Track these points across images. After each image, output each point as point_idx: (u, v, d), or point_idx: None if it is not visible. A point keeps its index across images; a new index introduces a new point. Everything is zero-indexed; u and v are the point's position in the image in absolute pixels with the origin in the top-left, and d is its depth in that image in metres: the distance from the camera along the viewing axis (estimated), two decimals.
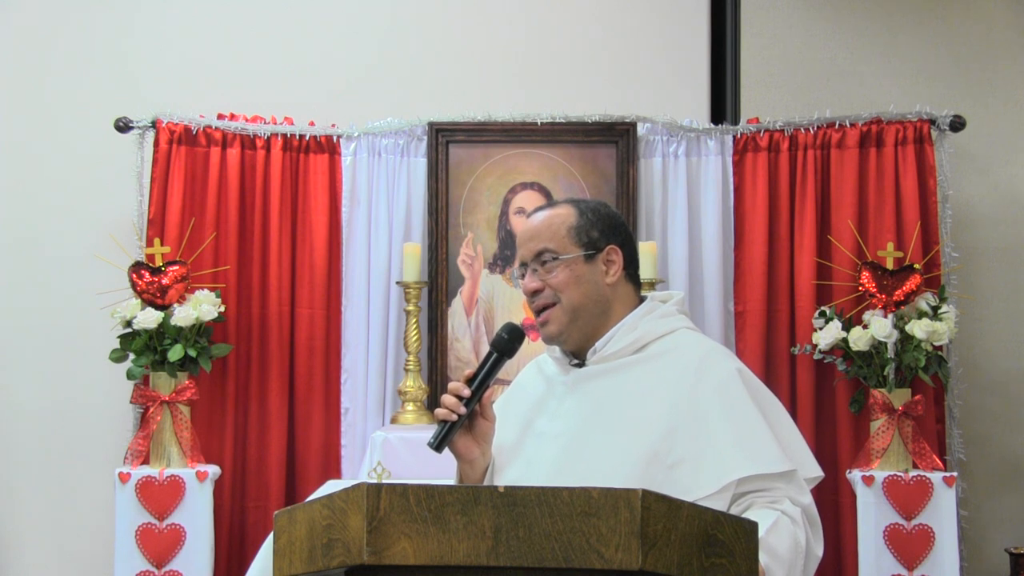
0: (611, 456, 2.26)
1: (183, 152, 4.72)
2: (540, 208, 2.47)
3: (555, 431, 2.36)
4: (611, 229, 2.42)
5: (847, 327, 4.46)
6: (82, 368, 4.93)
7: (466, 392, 2.30)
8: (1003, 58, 5.07)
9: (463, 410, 2.30)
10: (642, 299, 2.45)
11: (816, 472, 2.38)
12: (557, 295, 2.36)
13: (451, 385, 2.33)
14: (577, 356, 2.43)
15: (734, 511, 2.21)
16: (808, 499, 2.28)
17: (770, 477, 2.23)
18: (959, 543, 4.33)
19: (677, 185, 4.81)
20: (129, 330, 4.49)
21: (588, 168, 4.81)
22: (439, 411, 2.31)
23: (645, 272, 4.36)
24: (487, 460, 2.40)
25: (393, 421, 4.67)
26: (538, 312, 2.39)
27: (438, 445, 2.30)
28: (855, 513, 4.37)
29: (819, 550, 2.27)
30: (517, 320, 2.43)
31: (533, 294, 2.39)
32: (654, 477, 2.20)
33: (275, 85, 5.01)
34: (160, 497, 4.34)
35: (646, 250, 4.53)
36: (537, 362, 2.56)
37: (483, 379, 2.32)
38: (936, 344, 4.43)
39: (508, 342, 2.36)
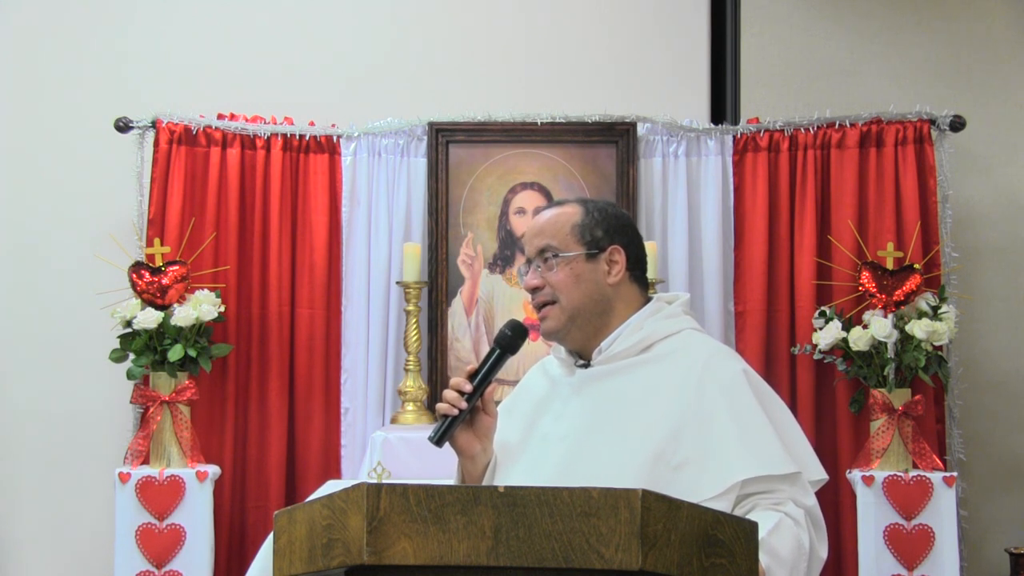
0: (617, 457, 2.26)
1: (183, 152, 4.72)
2: (548, 205, 2.48)
3: (560, 432, 2.36)
4: (616, 229, 2.42)
5: (847, 327, 4.45)
6: (82, 368, 4.93)
7: (468, 387, 2.31)
8: (1003, 58, 5.07)
9: (464, 405, 2.30)
10: (648, 300, 2.45)
11: (820, 475, 2.38)
12: (556, 294, 2.37)
13: (453, 380, 2.33)
14: (582, 356, 2.43)
15: (738, 512, 2.21)
16: (812, 501, 2.28)
17: (774, 479, 2.24)
18: (959, 543, 4.33)
19: (677, 185, 4.81)
20: (129, 330, 4.49)
21: (588, 168, 4.81)
22: (440, 406, 2.31)
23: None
24: (488, 456, 2.40)
25: (393, 421, 4.67)
26: (538, 308, 2.40)
27: (439, 440, 2.31)
28: (855, 513, 4.37)
29: (823, 552, 2.27)
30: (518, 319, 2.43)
31: (534, 290, 2.40)
32: (660, 478, 2.20)
33: (275, 85, 5.00)
34: (160, 497, 4.34)
35: (646, 250, 4.53)
36: (542, 363, 2.56)
37: (485, 375, 2.32)
38: (936, 344, 4.43)
39: (511, 338, 2.36)
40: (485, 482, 2.40)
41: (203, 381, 4.57)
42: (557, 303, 2.37)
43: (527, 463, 2.36)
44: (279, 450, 4.71)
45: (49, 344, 4.99)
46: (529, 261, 2.43)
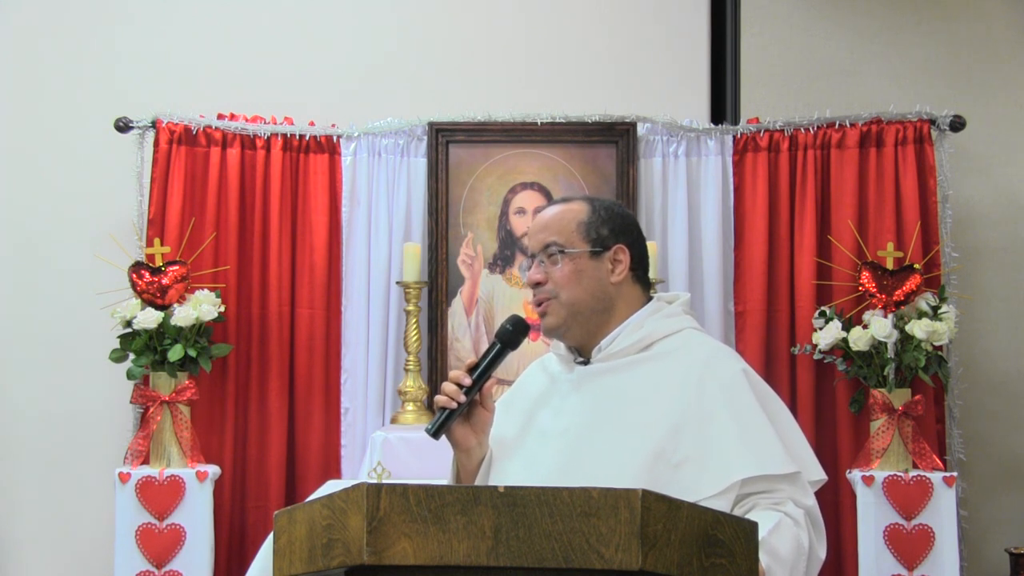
0: (616, 455, 2.27)
1: (183, 152, 4.72)
2: (554, 202, 2.49)
3: (558, 429, 2.36)
4: (622, 228, 2.42)
5: (847, 327, 4.45)
6: (82, 368, 4.93)
7: (467, 381, 2.31)
8: (1003, 58, 5.07)
9: (463, 398, 2.31)
10: (649, 300, 2.46)
11: (820, 475, 2.38)
12: (556, 290, 2.37)
13: (452, 373, 2.34)
14: (582, 354, 2.44)
15: (737, 512, 2.21)
16: (811, 501, 2.28)
17: (774, 479, 2.24)
18: (959, 543, 4.33)
19: (677, 185, 4.81)
20: (129, 330, 4.49)
21: (588, 168, 4.81)
22: (439, 398, 2.32)
23: None
24: (484, 450, 2.41)
25: (393, 421, 4.67)
26: (537, 304, 2.40)
27: (436, 432, 2.32)
28: (855, 513, 4.37)
29: (822, 552, 2.28)
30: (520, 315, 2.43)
31: (536, 286, 2.40)
32: (660, 476, 2.21)
33: (275, 85, 5.00)
34: (160, 497, 4.34)
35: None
36: (542, 360, 2.57)
37: (485, 369, 2.33)
38: (936, 344, 4.43)
39: (512, 333, 2.37)
40: (480, 477, 2.41)
41: (203, 381, 4.57)
42: (556, 298, 2.37)
43: (525, 459, 2.36)
44: (279, 450, 4.71)
45: (49, 344, 4.99)
46: (532, 256, 2.43)
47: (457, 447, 2.39)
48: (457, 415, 2.32)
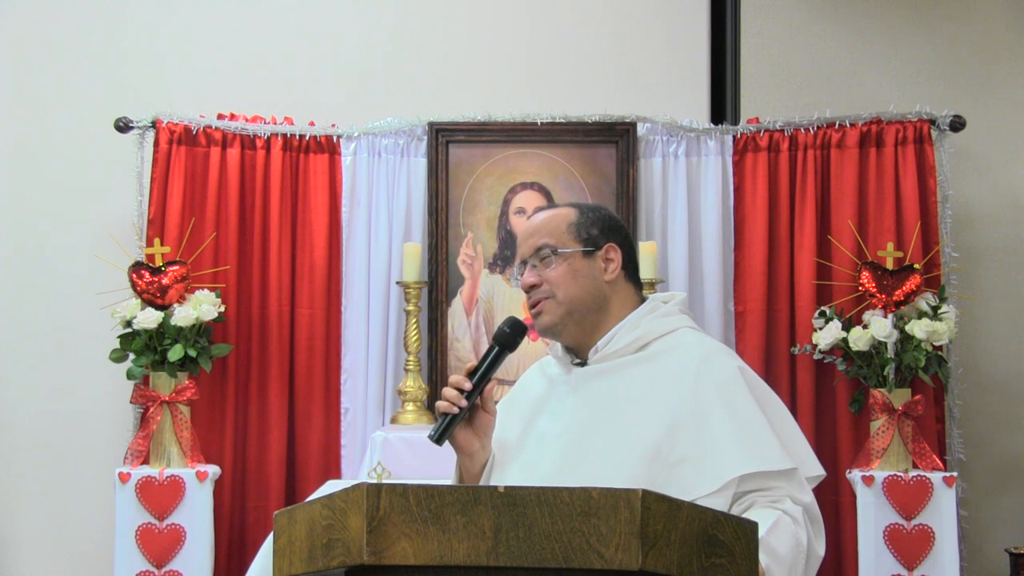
0: (614, 455, 2.27)
1: (183, 152, 4.72)
2: (541, 208, 2.50)
3: (556, 431, 2.37)
4: (611, 228, 2.45)
5: (847, 327, 4.46)
6: (82, 368, 4.93)
7: (467, 385, 2.31)
8: (1003, 58, 5.07)
9: (464, 403, 2.30)
10: (643, 299, 2.47)
11: (818, 471, 2.38)
12: (552, 289, 2.38)
13: (452, 378, 2.33)
14: (579, 355, 2.44)
15: (735, 510, 2.21)
16: (809, 497, 2.28)
17: (771, 475, 2.24)
18: (959, 543, 4.33)
19: (677, 185, 4.81)
20: (129, 330, 4.49)
21: (588, 168, 4.81)
22: (440, 404, 2.31)
23: (645, 272, 4.36)
24: (487, 454, 2.41)
25: (393, 421, 4.67)
26: (533, 305, 2.41)
27: (439, 438, 2.31)
28: (855, 513, 4.37)
29: (821, 549, 2.27)
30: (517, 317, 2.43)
31: (530, 288, 2.40)
32: (657, 475, 2.21)
33: (275, 85, 5.01)
34: (160, 497, 4.34)
35: (646, 250, 4.54)
36: (540, 363, 2.57)
37: (484, 372, 2.33)
38: (936, 344, 4.43)
39: (510, 336, 2.37)
40: (483, 480, 2.41)
41: (203, 381, 4.57)
42: (553, 298, 2.38)
43: (524, 461, 2.37)
44: (279, 450, 4.71)
45: (49, 344, 4.99)
46: (524, 262, 2.44)
47: (460, 452, 2.39)
48: (459, 420, 2.32)
